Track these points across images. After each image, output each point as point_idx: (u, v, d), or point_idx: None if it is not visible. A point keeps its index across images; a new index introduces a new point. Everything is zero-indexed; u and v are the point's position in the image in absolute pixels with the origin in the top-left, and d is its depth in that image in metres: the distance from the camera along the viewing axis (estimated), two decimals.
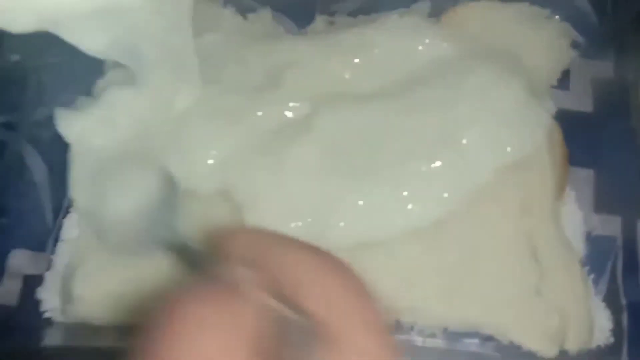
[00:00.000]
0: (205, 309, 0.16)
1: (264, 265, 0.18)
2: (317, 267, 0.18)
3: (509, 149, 0.32)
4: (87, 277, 0.33)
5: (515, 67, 0.34)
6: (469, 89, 0.33)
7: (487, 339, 0.30)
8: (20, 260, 0.35)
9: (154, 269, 0.31)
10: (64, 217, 0.36)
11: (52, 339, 0.32)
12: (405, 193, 0.31)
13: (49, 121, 0.36)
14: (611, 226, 0.34)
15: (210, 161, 0.33)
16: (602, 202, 0.35)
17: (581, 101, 0.37)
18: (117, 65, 0.38)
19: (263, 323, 0.16)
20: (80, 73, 0.38)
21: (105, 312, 0.32)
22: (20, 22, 0.26)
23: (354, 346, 0.16)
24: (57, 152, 0.36)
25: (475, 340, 0.31)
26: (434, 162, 0.32)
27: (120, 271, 0.32)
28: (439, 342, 0.30)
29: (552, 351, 0.29)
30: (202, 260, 0.22)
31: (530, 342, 0.29)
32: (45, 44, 0.37)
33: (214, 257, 0.20)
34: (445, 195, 0.31)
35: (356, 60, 0.35)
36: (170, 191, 0.32)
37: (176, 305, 0.17)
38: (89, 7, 0.27)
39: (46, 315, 0.33)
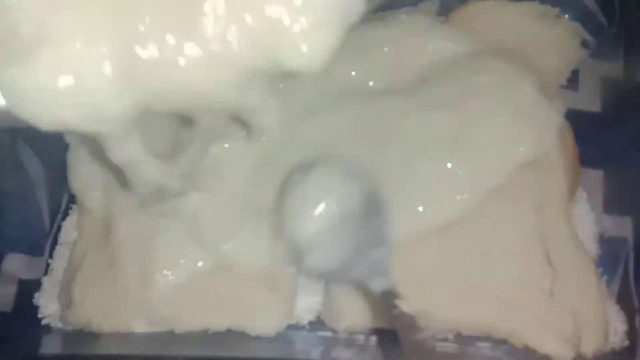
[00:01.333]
0: None
1: None
2: None
3: (521, 149, 0.32)
4: (87, 281, 0.31)
5: (525, 66, 0.34)
6: (478, 89, 0.33)
7: (500, 342, 0.30)
8: (15, 264, 0.34)
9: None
10: (63, 219, 0.35)
11: (50, 346, 0.31)
12: (415, 196, 0.31)
13: None
14: (622, 227, 0.34)
15: None
16: (613, 203, 0.34)
17: (590, 101, 0.37)
18: None
19: None
20: None
21: (106, 317, 0.30)
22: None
23: None
24: (55, 152, 0.35)
25: (487, 344, 0.30)
26: (445, 163, 0.31)
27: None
28: (450, 346, 0.30)
29: (568, 355, 0.28)
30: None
31: (545, 345, 0.28)
32: None
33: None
34: (458, 197, 0.30)
35: (364, 58, 0.34)
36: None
37: None
38: None
39: (44, 321, 0.32)
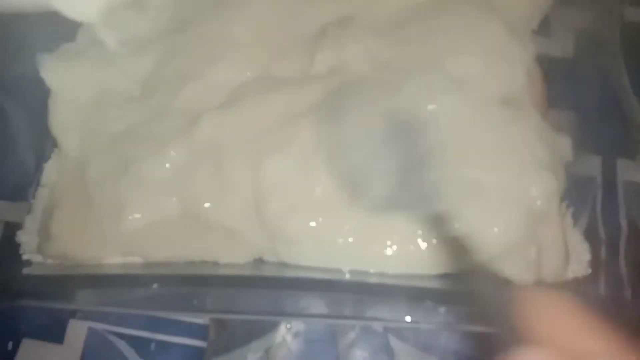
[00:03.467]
0: None
1: None
2: None
3: (490, 84, 0.32)
4: (65, 216, 0.33)
5: (493, 6, 0.34)
6: (447, 28, 0.33)
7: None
8: (1, 208, 0.35)
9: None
10: (46, 162, 0.36)
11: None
12: None
13: (31, 70, 0.36)
14: (591, 166, 0.34)
15: None
16: (582, 143, 0.35)
17: (562, 48, 0.37)
18: None
19: None
20: (62, 19, 0.38)
21: (82, 249, 0.32)
22: None
23: None
24: (39, 101, 0.36)
25: None
26: None
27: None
28: None
29: (529, 280, 0.29)
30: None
31: (505, 270, 0.29)
32: None
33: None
34: None
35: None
36: None
37: None
38: None
39: (25, 257, 0.33)
